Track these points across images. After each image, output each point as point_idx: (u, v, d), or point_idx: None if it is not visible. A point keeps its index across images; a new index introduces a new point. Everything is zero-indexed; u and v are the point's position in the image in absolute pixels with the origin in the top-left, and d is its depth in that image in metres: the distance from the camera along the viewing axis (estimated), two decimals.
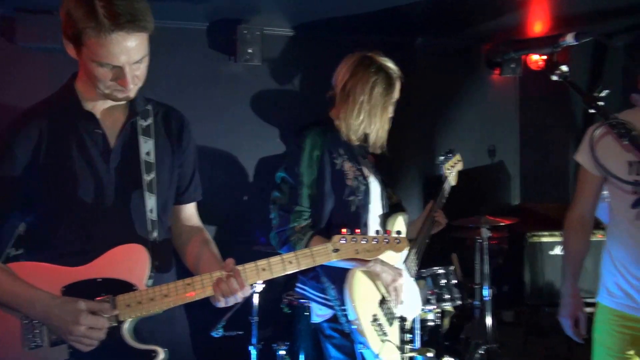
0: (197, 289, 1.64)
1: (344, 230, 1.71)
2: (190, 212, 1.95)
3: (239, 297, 1.65)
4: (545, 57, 4.90)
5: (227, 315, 3.21)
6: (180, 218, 1.93)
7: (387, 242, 1.72)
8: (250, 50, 4.48)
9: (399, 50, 5.04)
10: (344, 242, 1.70)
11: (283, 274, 1.68)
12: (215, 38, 4.59)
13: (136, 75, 1.65)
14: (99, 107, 1.74)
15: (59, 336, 1.61)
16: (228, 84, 4.67)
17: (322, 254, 1.68)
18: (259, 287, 3.28)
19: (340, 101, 2.29)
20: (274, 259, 1.67)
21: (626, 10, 4.68)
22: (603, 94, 1.59)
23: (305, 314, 3.22)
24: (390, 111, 2.36)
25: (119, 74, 1.61)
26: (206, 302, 1.73)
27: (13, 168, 1.65)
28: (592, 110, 1.57)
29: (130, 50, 1.58)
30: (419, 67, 5.31)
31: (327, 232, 2.19)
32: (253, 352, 3.34)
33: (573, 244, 2.40)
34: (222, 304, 1.66)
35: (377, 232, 1.76)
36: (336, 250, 1.69)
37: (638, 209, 1.99)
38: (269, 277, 1.67)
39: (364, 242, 1.71)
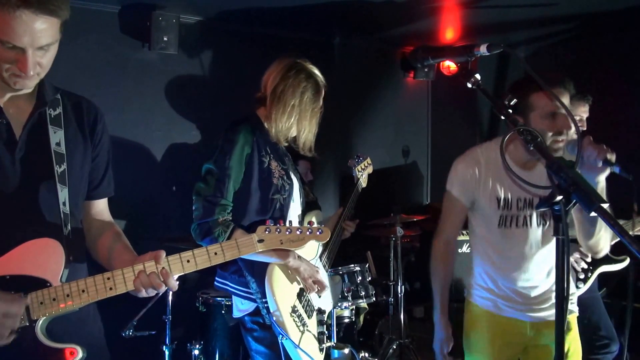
0: (117, 283, 1.57)
1: (267, 221, 1.72)
2: (101, 207, 1.87)
3: (162, 289, 1.61)
4: (458, 64, 5.17)
5: (139, 315, 3.11)
6: (90, 213, 1.84)
7: (311, 233, 1.75)
8: (165, 38, 4.34)
9: (316, 48, 5.17)
10: (269, 232, 1.71)
11: (208, 266, 1.65)
12: (128, 23, 4.38)
13: (39, 62, 1.54)
14: (1, 95, 1.62)
15: None
16: (140, 72, 4.49)
17: (247, 244, 1.68)
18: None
19: (270, 103, 2.33)
20: (198, 251, 1.63)
21: (526, 24, 5.05)
22: (512, 102, 1.69)
23: (222, 312, 3.20)
24: (318, 116, 2.42)
25: (19, 57, 1.50)
26: (115, 300, 1.66)
27: None
28: (502, 117, 1.65)
29: (36, 33, 1.48)
30: (337, 66, 5.40)
31: (248, 229, 2.19)
32: (166, 352, 3.26)
33: (442, 271, 2.55)
34: (143, 295, 1.61)
35: (300, 222, 1.77)
36: (261, 241, 1.69)
37: (502, 228, 2.28)
38: (193, 269, 1.62)
39: (288, 232, 1.72)
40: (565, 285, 1.47)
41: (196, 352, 3.26)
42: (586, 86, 3.57)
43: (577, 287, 2.94)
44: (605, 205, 1.40)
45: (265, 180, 2.26)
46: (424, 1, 4.47)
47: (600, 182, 2.01)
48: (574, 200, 1.41)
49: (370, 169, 2.98)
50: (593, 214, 1.35)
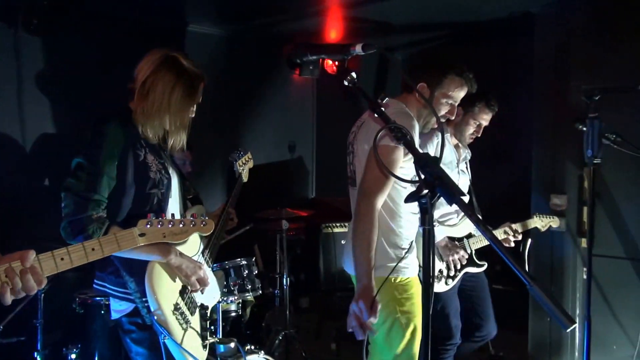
0: None
1: (149, 214, 1.66)
2: None
3: (32, 292, 1.48)
4: (337, 62, 5.37)
5: (5, 320, 2.89)
6: None
7: (194, 225, 1.72)
8: (35, 21, 4.08)
9: (168, 35, 5.03)
10: (150, 226, 1.66)
11: (85, 262, 1.56)
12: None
13: None
14: None
15: None
16: (7, 56, 4.16)
17: (127, 238, 1.62)
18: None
19: (139, 97, 2.20)
20: (73, 247, 1.53)
21: (405, 29, 5.36)
22: (385, 100, 1.79)
23: (102, 312, 3.08)
24: (190, 113, 2.32)
25: None
26: None
27: None
28: (375, 115, 1.75)
29: None
30: (227, 60, 5.36)
31: (124, 224, 2.09)
32: (38, 359, 3.07)
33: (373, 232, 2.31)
34: (8, 301, 1.47)
35: (183, 215, 1.74)
36: (142, 235, 1.64)
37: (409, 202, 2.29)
38: (68, 266, 1.52)
39: (171, 225, 1.68)
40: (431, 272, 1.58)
41: (73, 356, 3.11)
42: None
43: (446, 283, 3.14)
44: (466, 199, 1.54)
45: (142, 175, 2.16)
46: (309, 3, 4.58)
47: None
48: (438, 194, 1.51)
49: (250, 164, 2.97)
50: (454, 205, 1.48)
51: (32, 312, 3.07)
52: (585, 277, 3.65)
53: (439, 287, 3.12)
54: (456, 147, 3.31)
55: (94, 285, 2.26)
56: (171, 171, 2.33)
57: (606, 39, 3.84)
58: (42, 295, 3.07)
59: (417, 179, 1.57)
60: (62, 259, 1.52)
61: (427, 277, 1.58)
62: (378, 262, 2.28)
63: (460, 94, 2.59)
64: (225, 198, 5.45)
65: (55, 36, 4.29)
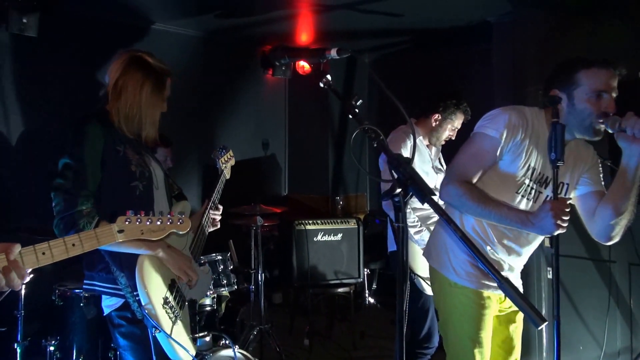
0: None
1: (128, 211, 1.72)
2: None
3: (14, 285, 1.48)
4: (312, 65, 5.50)
5: None
6: None
7: (171, 223, 1.78)
8: (25, 20, 4.08)
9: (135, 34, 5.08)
10: (129, 223, 1.70)
11: (65, 257, 1.58)
12: None
13: None
14: None
15: None
16: None
17: (106, 234, 1.66)
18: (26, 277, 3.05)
19: (113, 97, 2.34)
20: (55, 242, 1.56)
21: (371, 33, 5.53)
22: (358, 102, 1.89)
23: (80, 304, 3.12)
24: (161, 108, 2.44)
25: None
26: None
27: None
28: (350, 116, 1.84)
29: None
30: (202, 60, 5.44)
31: (111, 218, 2.17)
32: (18, 350, 3.10)
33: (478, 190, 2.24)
34: None
35: (161, 213, 1.80)
36: (121, 231, 1.68)
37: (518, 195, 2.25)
38: (49, 261, 1.55)
39: (149, 222, 1.73)
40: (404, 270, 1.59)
41: (52, 348, 3.14)
42: (416, 90, 3.99)
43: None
44: (435, 198, 1.64)
45: (123, 169, 2.26)
46: (279, 5, 4.68)
47: None
48: (410, 192, 1.57)
49: (232, 161, 3.06)
50: (426, 205, 1.55)
51: (12, 303, 3.10)
52: (550, 276, 3.71)
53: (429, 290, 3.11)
54: (428, 146, 3.47)
55: (84, 286, 2.32)
56: (152, 165, 2.42)
57: (562, 45, 4.01)
58: (23, 286, 3.09)
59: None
60: (43, 253, 1.54)
61: (401, 274, 1.60)
62: (438, 258, 2.41)
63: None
64: (202, 194, 5.56)
65: (40, 36, 4.31)
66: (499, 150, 2.23)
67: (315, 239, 4.89)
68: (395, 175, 1.61)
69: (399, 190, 1.57)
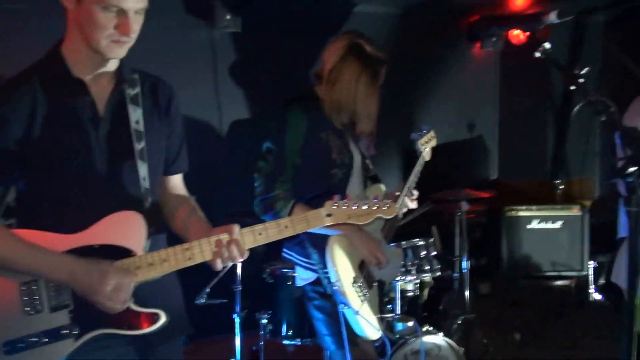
0: (195, 254, 1.67)
1: (335, 196, 1.77)
2: (176, 182, 1.97)
3: (236, 260, 1.69)
4: (527, 33, 4.97)
5: (211, 284, 3.26)
6: (167, 188, 1.94)
7: (378, 207, 1.78)
8: (228, 17, 4.38)
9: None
10: (336, 207, 1.76)
11: (279, 238, 1.73)
12: (192, 2, 4.39)
13: (134, 28, 1.66)
14: (86, 74, 1.72)
15: (59, 301, 1.62)
16: (205, 51, 4.55)
17: (315, 218, 1.75)
18: None
19: (327, 85, 2.34)
20: (270, 224, 1.71)
21: None
22: (584, 71, 1.64)
23: (288, 283, 3.30)
24: (376, 100, 2.40)
25: (122, 20, 1.61)
26: (189, 270, 1.75)
27: (7, 136, 1.62)
28: (572, 88, 1.62)
29: None
30: (400, 38, 5.33)
31: (308, 202, 2.24)
32: (237, 320, 3.40)
33: None
34: (219, 267, 1.70)
35: (367, 197, 1.83)
36: (329, 215, 1.75)
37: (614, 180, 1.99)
38: (265, 241, 1.71)
39: (355, 207, 1.76)
40: None
41: (264, 321, 3.39)
42: None
43: None
44: None
45: (324, 156, 2.31)
46: None
47: None
48: None
49: (434, 142, 2.92)
50: None
51: (231, 279, 3.41)
52: None
53: None
54: None
55: (283, 254, 2.48)
56: (353, 152, 2.43)
57: None
58: (239, 264, 3.38)
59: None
60: (260, 234, 1.71)
61: (632, 266, 1.43)
62: None
63: None
64: (401, 179, 5.49)
65: (244, 31, 4.64)
66: None
67: (528, 226, 4.55)
68: (629, 152, 1.47)
69: (633, 168, 1.44)
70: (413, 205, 2.68)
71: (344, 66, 2.30)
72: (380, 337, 2.40)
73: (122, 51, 1.69)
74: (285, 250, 2.48)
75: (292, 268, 2.59)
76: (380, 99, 2.44)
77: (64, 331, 1.61)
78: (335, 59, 2.32)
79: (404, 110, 5.54)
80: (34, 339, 1.59)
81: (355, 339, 2.31)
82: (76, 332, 1.62)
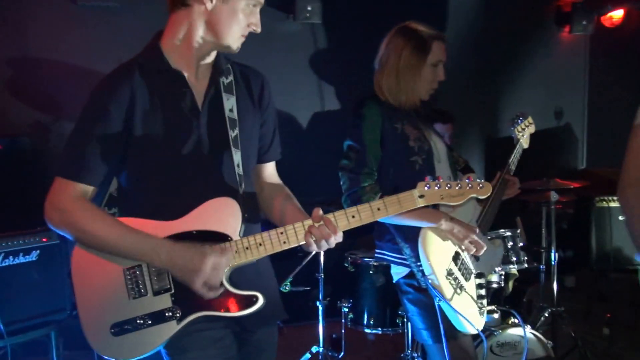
0: (290, 237, 1.69)
1: (427, 177, 1.73)
2: (271, 170, 2.00)
3: (332, 242, 1.69)
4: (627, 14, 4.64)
5: (295, 271, 3.33)
6: (262, 176, 1.98)
7: (471, 187, 1.73)
8: (309, 8, 4.41)
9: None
10: (428, 188, 1.72)
11: (371, 221, 1.72)
12: None
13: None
14: (184, 66, 1.77)
15: (161, 285, 1.68)
16: (286, 42, 4.63)
17: (408, 199, 1.71)
18: None
19: (379, 72, 2.40)
20: (362, 206, 1.70)
21: None
22: None
23: (370, 272, 3.31)
24: (424, 73, 2.35)
25: (256, 16, 1.74)
26: (273, 258, 1.79)
27: (109, 127, 1.69)
28: None
29: None
30: (485, 22, 5.16)
31: (393, 193, 2.23)
32: (320, 307, 3.46)
33: None
34: (313, 249, 1.71)
35: (460, 178, 1.76)
36: (422, 196, 1.72)
37: None
38: (358, 224, 1.70)
39: (448, 187, 1.72)
40: None
41: (346, 309, 3.43)
42: None
43: None
44: None
45: (401, 145, 2.31)
46: None
47: None
48: None
49: (532, 129, 2.83)
50: None
51: (314, 267, 3.47)
52: None
53: None
54: None
55: (375, 255, 2.48)
56: (433, 139, 2.42)
57: None
58: (322, 253, 3.43)
59: None
60: (353, 216, 1.70)
61: None
62: None
63: None
64: (485, 170, 5.35)
65: (324, 21, 4.65)
66: None
67: (621, 217, 4.29)
68: None
69: None
70: (513, 193, 2.61)
71: (389, 47, 2.36)
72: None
73: (239, 45, 1.78)
74: (377, 250, 2.48)
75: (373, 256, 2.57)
76: (445, 74, 2.40)
77: (168, 313, 1.67)
78: (383, 47, 2.40)
79: (486, 99, 5.38)
80: (139, 321, 1.67)
81: (454, 333, 2.26)
82: (179, 315, 1.67)
